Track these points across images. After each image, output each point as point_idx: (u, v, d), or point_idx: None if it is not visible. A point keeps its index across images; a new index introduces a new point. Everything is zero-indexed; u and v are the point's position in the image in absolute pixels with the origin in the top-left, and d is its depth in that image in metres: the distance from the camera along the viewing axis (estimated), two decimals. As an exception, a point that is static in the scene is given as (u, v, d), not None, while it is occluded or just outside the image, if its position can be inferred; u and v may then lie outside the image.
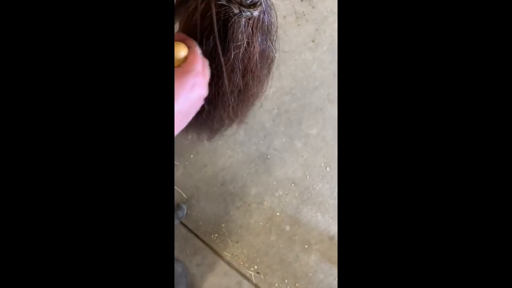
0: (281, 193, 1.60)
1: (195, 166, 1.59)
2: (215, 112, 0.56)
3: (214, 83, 0.52)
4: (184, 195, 1.57)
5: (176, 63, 0.48)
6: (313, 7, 1.70)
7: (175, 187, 1.58)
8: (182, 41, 0.48)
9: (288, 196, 1.60)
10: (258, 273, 1.54)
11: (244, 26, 0.46)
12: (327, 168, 1.62)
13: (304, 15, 1.70)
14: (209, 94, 0.53)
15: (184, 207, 1.55)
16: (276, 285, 1.53)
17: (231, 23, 0.45)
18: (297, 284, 1.54)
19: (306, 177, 1.61)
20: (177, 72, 0.46)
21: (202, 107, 0.56)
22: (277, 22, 0.49)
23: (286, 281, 1.54)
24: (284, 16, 1.68)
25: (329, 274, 1.54)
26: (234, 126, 0.65)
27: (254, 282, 1.53)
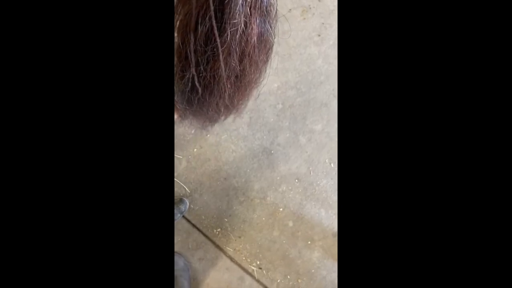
0: (284, 188, 1.58)
1: (199, 160, 1.58)
2: (211, 99, 0.55)
3: (210, 67, 0.50)
4: (187, 189, 1.57)
5: None
6: (319, 1, 1.68)
7: (178, 181, 1.57)
8: None
9: (291, 192, 1.58)
10: (260, 268, 1.53)
11: (242, 5, 0.44)
12: (331, 164, 1.60)
13: (310, 8, 1.68)
14: (204, 79, 0.52)
15: (187, 201, 1.54)
16: (278, 280, 1.52)
17: (227, 0, 0.43)
18: (299, 280, 1.52)
19: (310, 173, 1.60)
20: None
21: (197, 93, 0.55)
22: (276, 4, 0.47)
23: (289, 277, 1.52)
24: (290, 9, 1.66)
25: (332, 270, 1.52)
26: (231, 116, 0.63)
27: (256, 278, 1.52)
